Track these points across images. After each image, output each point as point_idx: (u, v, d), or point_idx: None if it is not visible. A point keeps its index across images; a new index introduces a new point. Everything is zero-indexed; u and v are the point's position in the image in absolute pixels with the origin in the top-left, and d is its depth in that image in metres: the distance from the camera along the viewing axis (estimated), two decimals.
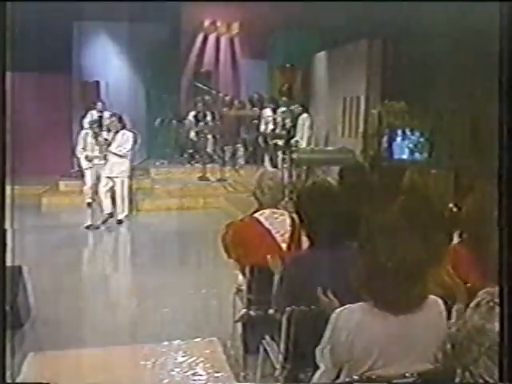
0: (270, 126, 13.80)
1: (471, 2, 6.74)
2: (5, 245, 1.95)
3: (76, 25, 15.01)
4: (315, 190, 3.58)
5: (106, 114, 12.39)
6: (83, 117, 13.55)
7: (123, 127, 10.30)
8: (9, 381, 2.60)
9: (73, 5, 13.35)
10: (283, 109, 13.78)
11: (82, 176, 11.03)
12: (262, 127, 14.05)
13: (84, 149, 10.53)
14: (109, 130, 10.40)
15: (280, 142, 12.88)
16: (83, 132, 10.96)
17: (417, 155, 9.72)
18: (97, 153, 10.27)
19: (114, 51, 15.55)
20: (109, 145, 10.13)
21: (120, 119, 10.31)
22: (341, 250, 3.17)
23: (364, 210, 3.46)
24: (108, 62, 15.42)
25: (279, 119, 13.62)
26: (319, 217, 3.33)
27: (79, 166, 13.31)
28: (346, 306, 2.58)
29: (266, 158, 13.62)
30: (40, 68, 13.45)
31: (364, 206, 3.62)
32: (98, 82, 15.24)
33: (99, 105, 13.54)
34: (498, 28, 2.09)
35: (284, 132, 13.19)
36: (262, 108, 14.46)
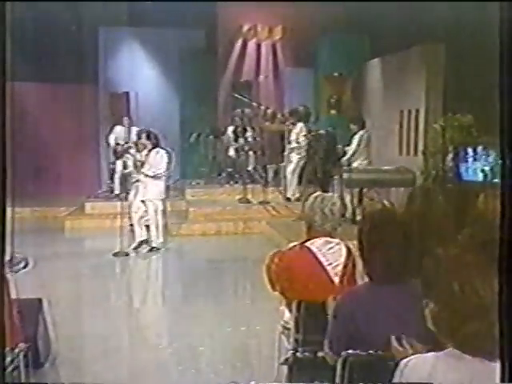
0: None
1: None
2: (4, 250, 2.07)
3: (103, 30, 15.14)
4: (378, 217, 3.49)
5: (135, 131, 12.35)
6: (109, 132, 13.65)
7: (155, 145, 10.05)
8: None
9: (100, 9, 13.50)
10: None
11: (120, 199, 11.00)
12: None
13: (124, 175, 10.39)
14: (138, 150, 10.28)
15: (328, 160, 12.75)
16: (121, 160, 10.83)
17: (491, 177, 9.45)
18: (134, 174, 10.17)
19: (144, 59, 15.69)
20: (141, 165, 9.98)
21: (155, 137, 10.08)
22: (403, 287, 3.12)
23: (430, 241, 3.35)
24: (138, 72, 15.55)
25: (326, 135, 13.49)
26: (378, 247, 3.24)
27: (110, 187, 13.46)
28: (415, 356, 2.47)
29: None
30: (63, 78, 13.56)
31: (431, 236, 3.50)
32: (127, 94, 15.34)
33: (125, 119, 13.60)
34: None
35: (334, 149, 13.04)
36: (305, 122, 14.35)
